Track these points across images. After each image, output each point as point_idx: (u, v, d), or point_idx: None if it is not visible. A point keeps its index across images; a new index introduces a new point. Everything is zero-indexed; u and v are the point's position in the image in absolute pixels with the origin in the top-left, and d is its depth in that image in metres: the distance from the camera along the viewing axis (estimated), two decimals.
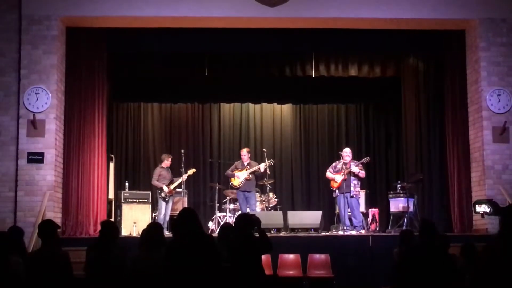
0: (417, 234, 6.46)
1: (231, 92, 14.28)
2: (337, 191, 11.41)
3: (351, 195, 11.23)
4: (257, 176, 12.09)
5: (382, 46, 11.92)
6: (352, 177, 11.25)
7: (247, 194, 11.83)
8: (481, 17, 10.91)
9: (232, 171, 12.04)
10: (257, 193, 12.35)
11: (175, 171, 12.32)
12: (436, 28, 11.38)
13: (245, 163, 12.00)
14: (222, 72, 12.85)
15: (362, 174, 11.39)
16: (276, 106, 14.67)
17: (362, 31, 11.41)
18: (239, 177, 11.84)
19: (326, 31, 11.47)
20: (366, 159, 11.61)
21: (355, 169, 11.25)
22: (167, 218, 11.78)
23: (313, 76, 12.72)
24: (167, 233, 8.81)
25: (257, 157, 13.43)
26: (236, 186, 11.89)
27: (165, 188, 11.79)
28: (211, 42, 11.60)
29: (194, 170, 12.37)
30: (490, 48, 10.88)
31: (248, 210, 11.58)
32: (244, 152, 12.12)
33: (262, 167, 11.92)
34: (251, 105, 14.63)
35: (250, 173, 11.82)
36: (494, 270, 3.92)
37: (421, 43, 11.84)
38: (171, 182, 11.97)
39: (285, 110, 14.67)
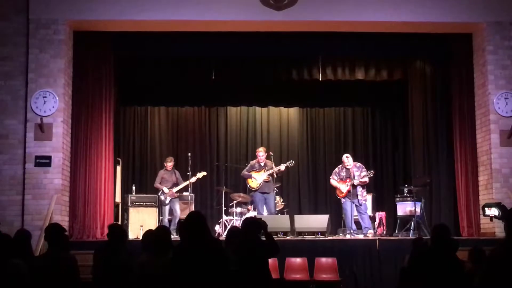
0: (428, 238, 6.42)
1: (237, 96, 14.27)
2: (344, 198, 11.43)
3: (360, 203, 11.23)
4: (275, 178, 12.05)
5: (389, 49, 11.89)
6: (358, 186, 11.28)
7: (266, 195, 11.77)
8: (488, 20, 10.89)
9: (249, 171, 11.96)
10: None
11: (182, 174, 12.34)
12: (443, 31, 11.36)
13: (262, 164, 11.91)
14: (228, 76, 12.84)
15: (364, 182, 11.34)
16: (283, 109, 14.66)
17: (369, 35, 11.40)
18: (257, 178, 11.77)
19: (333, 35, 11.46)
20: (370, 173, 11.49)
21: (356, 182, 11.22)
22: (177, 220, 11.79)
23: (320, 79, 12.69)
24: (175, 237, 8.84)
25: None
26: (254, 188, 11.82)
27: (165, 190, 11.83)
28: (217, 46, 11.59)
29: (204, 173, 12.31)
30: (497, 51, 10.86)
31: (265, 211, 11.58)
32: (261, 152, 11.95)
33: (283, 167, 11.85)
34: (258, 109, 14.62)
35: (268, 175, 11.77)
36: (502, 273, 3.90)
37: (428, 46, 11.81)
38: (175, 184, 11.98)
39: (292, 113, 14.66)
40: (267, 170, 11.78)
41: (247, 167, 12.11)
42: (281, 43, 11.65)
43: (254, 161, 12.12)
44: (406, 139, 13.62)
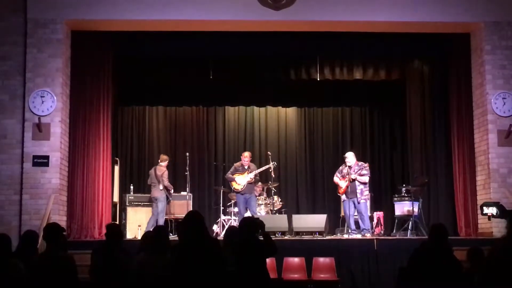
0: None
1: (236, 95, 14.27)
2: (344, 196, 11.37)
3: (358, 201, 11.14)
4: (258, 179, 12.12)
5: (387, 49, 11.91)
6: (357, 183, 11.17)
7: (248, 196, 11.76)
8: (486, 20, 10.89)
9: (232, 174, 11.95)
10: (261, 196, 12.38)
11: (181, 174, 12.32)
12: (441, 31, 11.37)
13: (245, 166, 11.94)
14: (226, 75, 12.84)
15: (363, 179, 11.18)
16: (281, 109, 14.66)
17: (367, 34, 11.40)
18: (240, 181, 11.77)
19: (331, 34, 11.47)
20: (366, 167, 11.40)
21: (354, 176, 11.18)
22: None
23: (318, 79, 12.71)
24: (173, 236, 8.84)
25: (261, 160, 13.51)
26: (239, 190, 11.83)
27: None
28: (215, 45, 11.60)
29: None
30: (495, 51, 10.86)
31: (248, 212, 11.59)
32: (247, 157, 11.95)
33: (265, 168, 12.11)
34: (256, 109, 14.62)
35: (252, 176, 11.79)
36: (501, 272, 3.90)
37: (426, 46, 11.83)
38: None
39: (290, 113, 14.66)
40: (250, 172, 11.79)
41: (231, 170, 12.07)
42: (279, 43, 11.65)
43: (238, 163, 12.10)
44: (404, 139, 13.63)
